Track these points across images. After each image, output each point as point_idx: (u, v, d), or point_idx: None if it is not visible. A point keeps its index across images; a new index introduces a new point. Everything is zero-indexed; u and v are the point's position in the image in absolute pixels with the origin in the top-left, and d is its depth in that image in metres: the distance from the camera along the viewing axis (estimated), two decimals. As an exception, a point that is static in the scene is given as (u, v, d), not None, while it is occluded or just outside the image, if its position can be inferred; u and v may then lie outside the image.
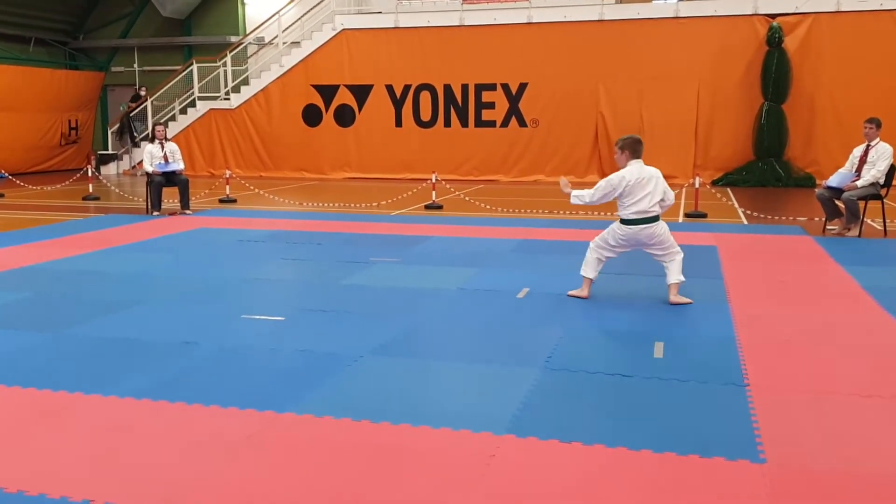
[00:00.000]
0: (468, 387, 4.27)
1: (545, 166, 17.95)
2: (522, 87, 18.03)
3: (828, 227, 9.87)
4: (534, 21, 17.69)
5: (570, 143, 17.82)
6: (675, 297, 5.99)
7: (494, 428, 3.61)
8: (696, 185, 11.76)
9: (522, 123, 18.15)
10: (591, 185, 6.32)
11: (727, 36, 16.76)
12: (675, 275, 5.98)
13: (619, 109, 17.38)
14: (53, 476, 3.15)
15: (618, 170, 5.95)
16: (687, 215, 11.48)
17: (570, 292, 6.26)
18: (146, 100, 20.66)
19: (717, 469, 3.21)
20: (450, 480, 3.13)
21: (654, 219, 5.87)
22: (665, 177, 6.00)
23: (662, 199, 5.87)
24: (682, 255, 6.01)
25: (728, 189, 15.63)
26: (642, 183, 5.77)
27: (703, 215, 11.30)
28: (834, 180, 9.66)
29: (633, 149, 5.84)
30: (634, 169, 5.80)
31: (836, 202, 9.67)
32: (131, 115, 20.62)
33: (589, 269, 6.14)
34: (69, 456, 3.35)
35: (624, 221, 5.90)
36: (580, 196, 5.98)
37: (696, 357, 4.72)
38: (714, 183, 16.31)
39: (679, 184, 14.93)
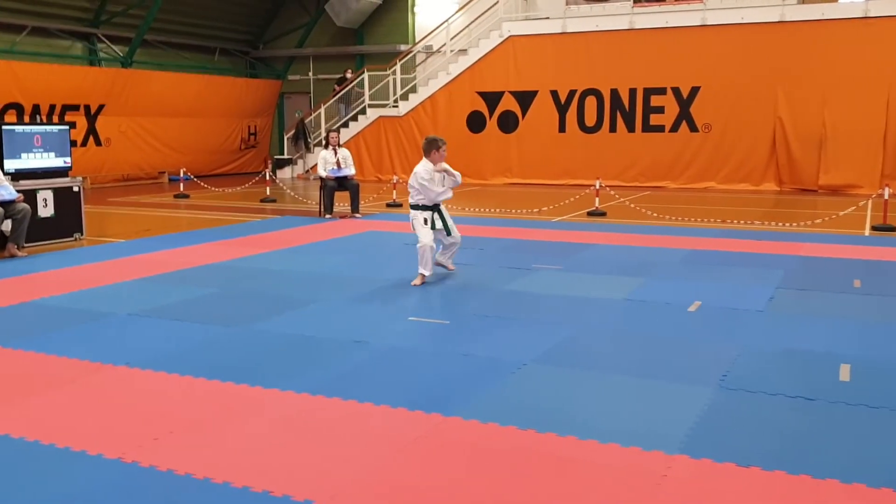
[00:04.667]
0: (636, 402, 4.13)
1: (717, 173, 17.23)
2: (694, 90, 17.39)
3: None
4: (708, 23, 17.03)
5: (745, 150, 16.98)
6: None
7: (666, 447, 3.48)
8: (886, 196, 10.89)
9: (693, 128, 17.51)
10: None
11: (923, 36, 15.43)
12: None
13: (799, 115, 16.37)
14: (232, 465, 3.33)
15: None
16: (874, 228, 10.66)
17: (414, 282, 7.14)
18: (352, 81, 21.38)
19: (917, 508, 2.94)
20: (617, 498, 3.04)
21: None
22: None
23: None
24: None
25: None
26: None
27: (893, 229, 10.45)
28: None
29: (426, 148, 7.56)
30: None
31: None
32: (339, 95, 21.35)
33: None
34: (246, 447, 3.53)
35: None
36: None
37: (888, 382, 4.35)
38: (905, 194, 15.04)
39: (865, 194, 13.87)
